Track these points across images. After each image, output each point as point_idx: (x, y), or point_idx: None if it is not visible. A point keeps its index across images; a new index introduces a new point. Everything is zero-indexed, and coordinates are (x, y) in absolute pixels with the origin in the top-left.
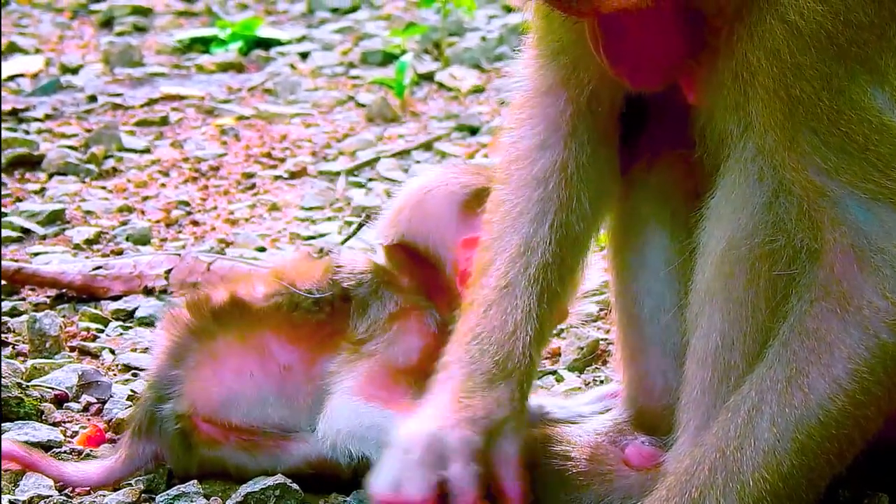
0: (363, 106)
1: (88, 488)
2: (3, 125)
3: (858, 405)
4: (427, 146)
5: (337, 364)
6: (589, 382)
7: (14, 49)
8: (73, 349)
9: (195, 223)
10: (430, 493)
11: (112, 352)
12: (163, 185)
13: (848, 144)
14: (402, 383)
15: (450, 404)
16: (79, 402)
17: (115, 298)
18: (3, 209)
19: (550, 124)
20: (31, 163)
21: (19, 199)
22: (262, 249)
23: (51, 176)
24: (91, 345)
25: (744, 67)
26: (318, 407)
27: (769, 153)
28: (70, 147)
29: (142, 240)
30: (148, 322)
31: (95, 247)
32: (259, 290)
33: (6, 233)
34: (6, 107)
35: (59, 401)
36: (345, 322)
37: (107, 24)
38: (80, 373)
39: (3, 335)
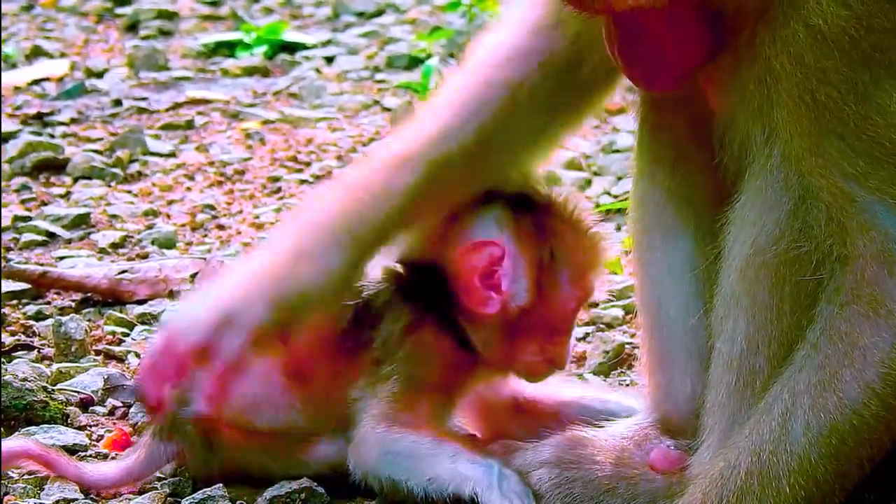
0: (389, 110)
1: (114, 491)
2: (29, 129)
3: (891, 409)
4: None
5: (359, 389)
6: (614, 386)
7: (39, 53)
8: (98, 353)
9: (221, 227)
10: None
11: (137, 355)
12: (188, 188)
13: (875, 150)
14: (424, 402)
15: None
16: (104, 406)
17: (141, 302)
18: (28, 213)
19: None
20: (56, 167)
21: (45, 203)
22: None
23: (76, 180)
24: (116, 348)
25: (767, 72)
26: (344, 414)
27: (795, 159)
28: (95, 151)
29: (167, 244)
30: None
31: (121, 251)
32: None
33: (32, 237)
34: (31, 111)
35: (85, 404)
36: (364, 332)
37: (132, 28)
38: (105, 376)
39: (28, 339)
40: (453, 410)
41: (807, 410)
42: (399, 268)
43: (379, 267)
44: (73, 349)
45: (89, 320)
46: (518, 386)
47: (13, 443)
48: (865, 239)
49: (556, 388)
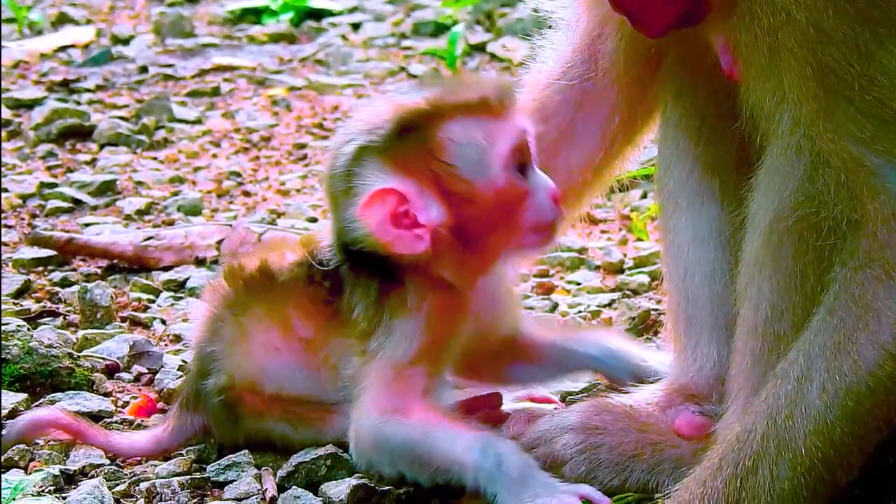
0: (415, 77)
1: (139, 458)
2: (55, 96)
3: None
4: None
5: (352, 369)
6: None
7: (65, 20)
8: (124, 319)
9: (246, 194)
10: None
11: (163, 322)
12: (214, 155)
13: (882, 112)
14: (415, 377)
15: None
16: (130, 373)
17: (167, 269)
18: (54, 180)
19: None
20: (82, 133)
21: (70, 170)
22: (314, 220)
23: (102, 147)
24: (142, 315)
25: (762, 30)
26: (341, 383)
27: (805, 124)
28: (121, 118)
29: (193, 210)
30: (199, 293)
31: (147, 217)
32: (288, 257)
33: (57, 203)
34: (57, 77)
35: (111, 371)
36: (342, 299)
37: None
38: (131, 343)
39: (54, 305)
40: (448, 368)
41: (822, 373)
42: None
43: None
44: (98, 316)
45: (115, 287)
46: (511, 330)
47: (43, 412)
48: (876, 203)
49: (548, 331)
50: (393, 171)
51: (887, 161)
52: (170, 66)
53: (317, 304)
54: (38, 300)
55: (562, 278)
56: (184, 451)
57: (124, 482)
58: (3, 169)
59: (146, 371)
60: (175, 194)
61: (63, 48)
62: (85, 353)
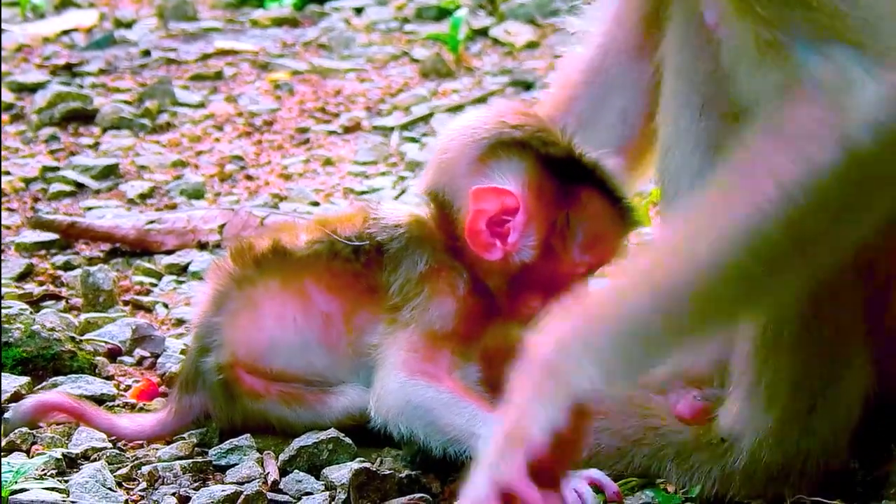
0: (417, 61)
1: (142, 441)
2: (58, 80)
3: None
4: (481, 101)
5: (378, 336)
6: None
7: (68, 3)
8: (126, 303)
9: (249, 178)
10: None
11: (166, 306)
12: (217, 139)
13: None
14: (444, 350)
15: None
16: (132, 356)
17: (169, 253)
18: (57, 163)
19: None
20: (84, 117)
21: (73, 154)
22: (316, 204)
23: (105, 130)
24: (145, 299)
25: None
26: (360, 358)
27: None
28: (124, 102)
29: (196, 194)
30: (202, 276)
31: (149, 201)
32: (302, 237)
33: (60, 187)
34: (60, 61)
35: (113, 355)
36: (380, 276)
37: None
38: (133, 327)
39: (56, 289)
40: (474, 360)
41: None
42: (423, 214)
43: (400, 211)
44: (101, 299)
45: (117, 270)
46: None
47: (47, 396)
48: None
49: None
50: (528, 186)
51: (797, 37)
52: (172, 50)
53: (342, 277)
54: (41, 284)
55: None
56: (185, 435)
57: (126, 466)
58: (5, 152)
59: (148, 355)
60: (178, 178)
61: (66, 32)
62: (87, 336)
